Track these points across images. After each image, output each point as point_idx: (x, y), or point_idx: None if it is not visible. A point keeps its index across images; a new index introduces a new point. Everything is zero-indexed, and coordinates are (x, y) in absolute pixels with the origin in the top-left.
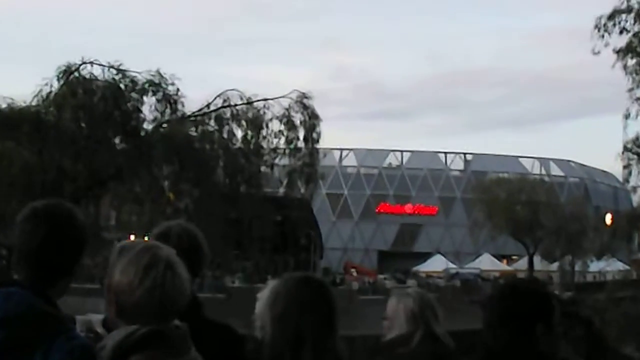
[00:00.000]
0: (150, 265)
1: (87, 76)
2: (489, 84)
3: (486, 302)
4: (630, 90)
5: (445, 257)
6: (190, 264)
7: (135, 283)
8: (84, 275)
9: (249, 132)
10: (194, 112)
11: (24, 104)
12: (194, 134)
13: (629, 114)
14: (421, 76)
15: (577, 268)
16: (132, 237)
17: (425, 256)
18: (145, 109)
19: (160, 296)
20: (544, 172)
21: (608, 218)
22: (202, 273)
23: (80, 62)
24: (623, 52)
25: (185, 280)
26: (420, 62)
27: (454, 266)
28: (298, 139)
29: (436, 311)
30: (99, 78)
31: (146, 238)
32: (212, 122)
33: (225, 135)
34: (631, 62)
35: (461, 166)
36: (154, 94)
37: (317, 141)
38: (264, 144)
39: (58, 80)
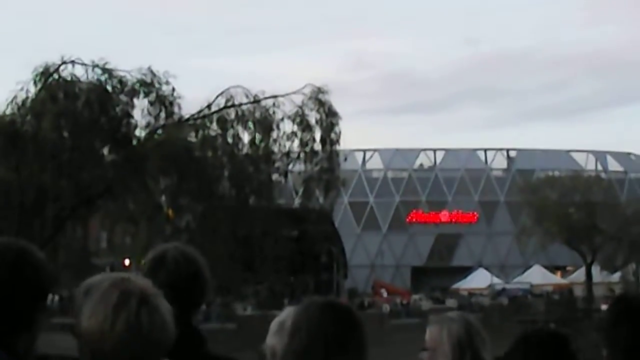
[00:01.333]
0: (120, 303)
1: (69, 78)
2: (535, 68)
3: (604, 328)
4: None
5: (489, 271)
6: (190, 292)
7: (106, 328)
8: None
9: (257, 136)
10: (192, 115)
11: None
12: (194, 139)
13: None
14: (457, 62)
15: None
16: (127, 262)
17: (465, 271)
18: (137, 113)
19: (137, 339)
20: (600, 167)
21: None
22: (206, 301)
23: (60, 62)
24: None
25: (166, 314)
26: (456, 46)
27: (499, 281)
28: (314, 140)
29: (484, 337)
30: (82, 79)
31: (142, 262)
32: (214, 126)
33: (230, 140)
34: None
35: (504, 164)
36: (146, 95)
37: (337, 142)
38: (275, 149)
39: (35, 83)
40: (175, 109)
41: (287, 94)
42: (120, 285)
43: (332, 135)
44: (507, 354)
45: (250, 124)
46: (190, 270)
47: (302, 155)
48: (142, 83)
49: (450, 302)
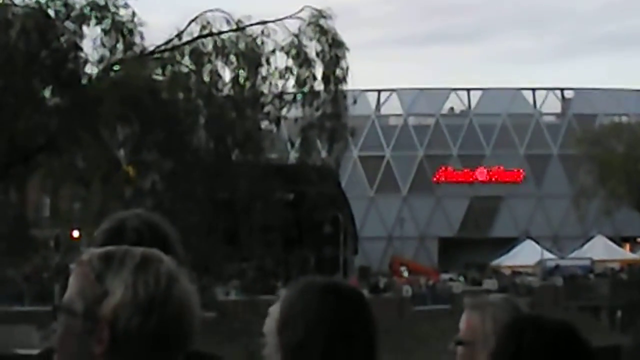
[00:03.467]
0: (156, 278)
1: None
2: None
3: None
4: None
5: (538, 243)
6: None
7: (141, 302)
8: (9, 295)
9: (242, 72)
10: (159, 46)
11: None
12: (160, 78)
13: None
14: None
15: None
16: (75, 234)
17: (508, 243)
18: (87, 45)
19: (175, 317)
20: None
21: None
22: None
23: None
24: None
25: (193, 295)
26: None
27: (552, 256)
28: (315, 78)
29: None
30: (17, 2)
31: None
32: (186, 60)
33: (206, 78)
34: None
35: (558, 108)
36: (99, 22)
37: (343, 81)
38: (265, 89)
39: None
40: (137, 39)
41: (280, 19)
42: (151, 257)
43: (338, 72)
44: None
45: (233, 58)
46: (156, 244)
47: (299, 97)
48: (94, 6)
49: (489, 284)
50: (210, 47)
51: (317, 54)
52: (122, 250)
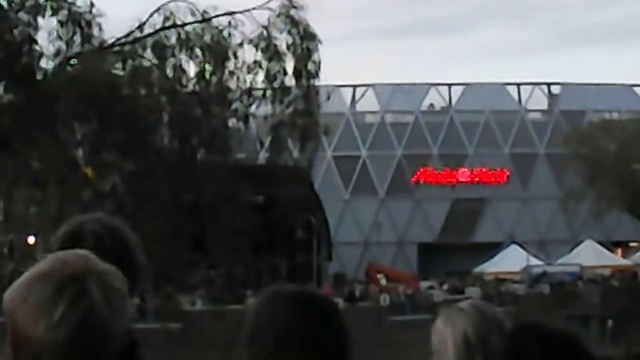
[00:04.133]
0: (67, 282)
1: None
2: None
3: None
4: None
5: (524, 248)
6: None
7: (48, 316)
8: None
9: (207, 67)
10: (119, 39)
11: None
12: (121, 72)
13: None
14: None
15: None
16: (30, 240)
17: (492, 249)
18: (43, 38)
19: (86, 331)
20: None
21: None
22: (139, 292)
23: None
24: None
25: (124, 297)
26: None
27: (538, 263)
28: (285, 73)
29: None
30: None
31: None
32: (148, 53)
33: (170, 73)
34: None
35: (544, 104)
36: (55, 12)
37: (316, 75)
38: (232, 84)
39: None
40: (95, 31)
41: (248, 10)
42: (61, 261)
43: (310, 66)
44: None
45: (198, 51)
46: (116, 249)
47: (269, 93)
48: None
49: (472, 292)
50: (173, 39)
51: (288, 47)
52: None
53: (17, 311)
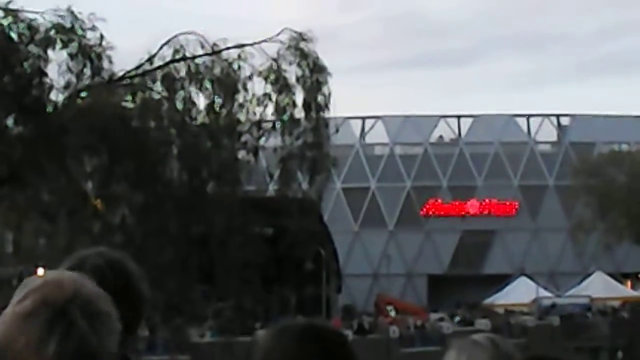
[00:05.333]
0: (54, 318)
1: None
2: (594, 5)
3: None
4: None
5: (533, 280)
6: (120, 314)
7: (41, 355)
8: None
9: (217, 99)
10: (129, 72)
11: None
12: (131, 105)
13: None
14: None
15: None
16: (40, 271)
17: (502, 281)
18: (53, 70)
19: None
20: None
21: None
22: (148, 325)
23: None
24: None
25: (111, 320)
26: None
27: (548, 294)
28: (295, 105)
29: None
30: None
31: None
32: (158, 86)
33: (179, 106)
34: None
35: (554, 136)
36: (65, 45)
37: (325, 108)
38: (242, 117)
39: None
40: (105, 64)
41: (257, 42)
42: (43, 288)
43: (319, 98)
44: None
45: (208, 84)
46: (118, 282)
47: (278, 125)
48: (59, 29)
49: (482, 324)
50: (183, 72)
51: (298, 80)
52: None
53: (7, 352)
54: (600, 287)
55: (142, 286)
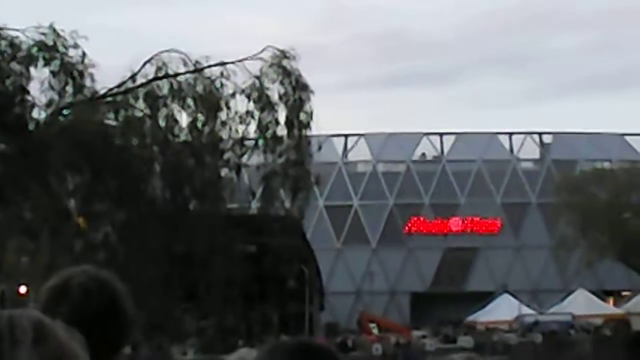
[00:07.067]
0: None
1: None
2: (576, 26)
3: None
4: None
5: (516, 297)
6: (105, 332)
7: None
8: None
9: (200, 117)
10: (111, 89)
11: None
12: (113, 123)
13: None
14: (470, 19)
15: None
16: (22, 289)
17: (485, 298)
18: (35, 88)
19: None
20: None
21: None
22: (131, 343)
23: None
24: None
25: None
26: None
27: (531, 312)
28: (277, 123)
29: None
30: None
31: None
32: (140, 104)
33: (162, 123)
34: None
35: (536, 153)
36: (47, 63)
37: (308, 125)
38: (224, 134)
39: None
40: (87, 82)
41: (240, 60)
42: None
43: (302, 116)
44: None
45: (190, 101)
46: (104, 301)
47: (261, 143)
48: (42, 47)
49: (465, 341)
50: (166, 89)
51: (280, 97)
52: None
53: None
54: (582, 304)
55: (127, 305)
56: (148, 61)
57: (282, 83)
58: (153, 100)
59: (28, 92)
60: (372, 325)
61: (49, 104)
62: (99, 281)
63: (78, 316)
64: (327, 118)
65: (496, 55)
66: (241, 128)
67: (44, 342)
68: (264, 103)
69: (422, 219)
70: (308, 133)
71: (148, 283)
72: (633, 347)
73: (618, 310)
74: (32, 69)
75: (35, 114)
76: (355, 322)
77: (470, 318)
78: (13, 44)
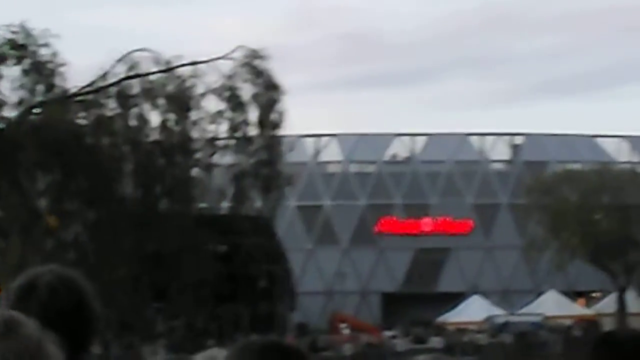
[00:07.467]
0: None
1: None
2: (548, 27)
3: None
4: None
5: (487, 298)
6: (72, 331)
7: None
8: None
9: (171, 116)
10: (82, 88)
11: None
12: (84, 122)
13: None
14: (441, 19)
15: None
16: None
17: (455, 299)
18: (5, 87)
19: None
20: (636, 158)
21: None
22: (101, 342)
23: None
24: None
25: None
26: None
27: (501, 312)
28: (248, 123)
29: None
30: None
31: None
32: (111, 103)
33: (133, 123)
34: None
35: (507, 155)
36: (18, 62)
37: (279, 125)
38: (195, 134)
39: None
40: (59, 81)
41: (212, 60)
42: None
43: (273, 116)
44: None
45: (161, 101)
46: (71, 300)
47: (232, 143)
48: (13, 45)
49: (435, 341)
50: (137, 89)
51: (251, 97)
52: None
53: None
54: (553, 305)
55: (94, 304)
56: (119, 60)
57: (253, 83)
58: (124, 99)
59: None
60: (343, 325)
61: (20, 102)
62: (66, 280)
63: (45, 315)
64: (298, 118)
65: (467, 57)
66: (212, 128)
67: (14, 336)
68: (235, 103)
69: (393, 219)
70: (279, 133)
71: (119, 282)
72: (599, 347)
73: (588, 311)
74: (3, 68)
75: (6, 112)
76: (326, 322)
77: (441, 318)
78: None
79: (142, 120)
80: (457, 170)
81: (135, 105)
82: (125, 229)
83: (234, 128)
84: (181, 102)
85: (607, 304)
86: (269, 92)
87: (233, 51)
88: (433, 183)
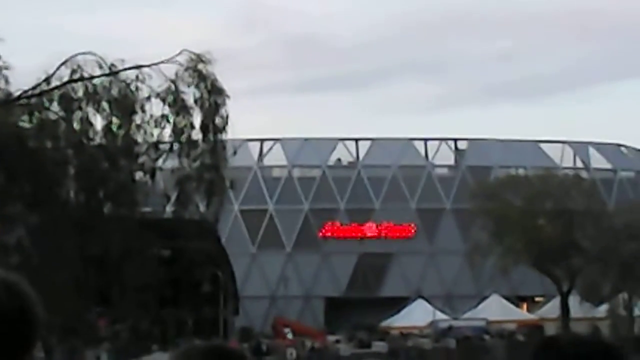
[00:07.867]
0: None
1: None
2: (492, 31)
3: None
4: None
5: (430, 303)
6: (14, 335)
7: None
8: None
9: (115, 120)
10: (25, 91)
11: None
12: (27, 125)
13: None
14: (385, 23)
15: (638, 312)
16: None
17: (399, 303)
18: None
19: None
20: (580, 164)
21: None
22: (44, 347)
23: None
24: None
25: None
26: (384, 2)
27: (444, 317)
28: (193, 127)
29: None
30: None
31: None
32: (54, 106)
33: (76, 126)
34: None
35: (451, 160)
36: None
37: (224, 130)
38: (139, 138)
39: None
40: (1, 84)
41: (155, 64)
42: None
43: (217, 120)
44: None
45: (105, 104)
46: (13, 305)
47: (176, 147)
48: None
49: (379, 346)
50: (80, 92)
51: (196, 101)
52: None
53: None
54: (496, 310)
55: (37, 309)
56: (63, 63)
57: (197, 87)
58: (68, 102)
59: None
60: (287, 329)
61: None
62: (6, 284)
63: None
64: (243, 122)
65: (412, 61)
66: (156, 132)
67: None
68: (179, 107)
69: (337, 223)
70: (223, 137)
71: (61, 286)
72: (541, 352)
73: (531, 316)
74: None
75: None
76: (269, 326)
77: (385, 323)
78: None
79: (86, 123)
80: (401, 175)
81: (79, 108)
82: (69, 232)
83: (178, 132)
84: (125, 105)
85: (551, 309)
86: (213, 96)
87: (177, 55)
88: (377, 188)
